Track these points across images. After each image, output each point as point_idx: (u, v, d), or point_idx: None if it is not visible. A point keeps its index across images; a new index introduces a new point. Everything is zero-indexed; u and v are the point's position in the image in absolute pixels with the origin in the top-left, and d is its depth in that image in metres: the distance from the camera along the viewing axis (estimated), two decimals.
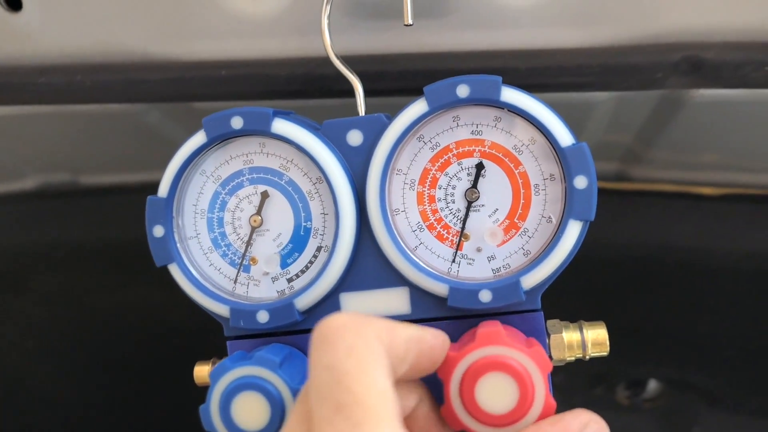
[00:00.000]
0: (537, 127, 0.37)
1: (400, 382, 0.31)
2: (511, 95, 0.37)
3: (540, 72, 0.47)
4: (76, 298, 0.73)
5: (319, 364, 0.26)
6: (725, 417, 0.68)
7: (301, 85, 0.48)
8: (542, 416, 0.33)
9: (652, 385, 0.68)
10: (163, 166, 0.69)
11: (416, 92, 0.47)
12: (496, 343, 0.33)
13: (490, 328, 0.34)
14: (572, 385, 0.68)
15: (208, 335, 0.67)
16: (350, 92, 0.48)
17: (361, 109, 0.41)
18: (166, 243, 0.40)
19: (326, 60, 0.42)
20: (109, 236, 0.71)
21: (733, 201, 0.61)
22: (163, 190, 0.40)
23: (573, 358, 0.40)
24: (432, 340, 0.32)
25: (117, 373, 0.71)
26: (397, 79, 0.48)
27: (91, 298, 0.73)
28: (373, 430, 0.25)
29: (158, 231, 0.40)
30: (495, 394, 0.33)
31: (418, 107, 0.37)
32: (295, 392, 0.35)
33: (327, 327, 0.27)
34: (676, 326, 0.65)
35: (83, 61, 0.51)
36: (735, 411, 0.68)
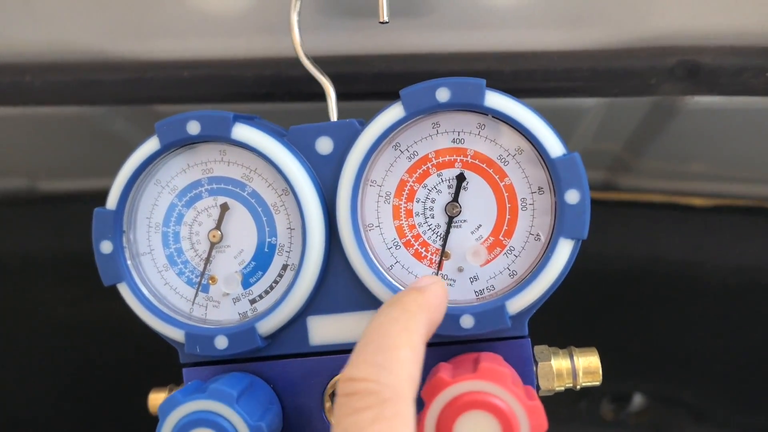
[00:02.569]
0: (524, 136, 0.34)
1: None
2: (495, 100, 0.33)
3: (526, 76, 0.43)
4: (31, 311, 0.69)
5: (342, 426, 0.26)
6: (710, 431, 0.66)
7: (269, 88, 0.44)
8: None
9: (638, 400, 0.66)
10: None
11: (393, 96, 0.44)
12: (497, 382, 0.30)
13: (495, 363, 0.31)
14: (556, 398, 0.66)
15: (176, 354, 0.63)
16: (322, 95, 0.44)
17: (333, 114, 0.38)
18: (114, 260, 0.36)
19: (296, 61, 0.39)
20: (68, 246, 0.67)
21: (724, 212, 0.59)
22: (111, 201, 0.36)
23: (562, 388, 0.36)
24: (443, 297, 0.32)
25: (73, 392, 0.67)
26: (372, 82, 0.44)
27: (48, 311, 0.69)
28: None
29: (106, 247, 0.36)
30: None
31: (393, 112, 0.34)
32: (252, 429, 0.32)
33: (353, 387, 0.26)
34: (663, 340, 0.63)
35: (33, 59, 0.47)
36: (722, 427, 0.65)
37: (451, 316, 0.34)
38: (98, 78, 0.46)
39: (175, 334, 0.36)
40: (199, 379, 0.36)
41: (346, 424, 0.25)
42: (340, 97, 0.39)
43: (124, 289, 0.36)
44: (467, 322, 0.34)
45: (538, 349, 0.36)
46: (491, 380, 0.30)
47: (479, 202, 0.35)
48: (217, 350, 0.35)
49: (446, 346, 0.35)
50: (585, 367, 0.36)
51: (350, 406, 0.26)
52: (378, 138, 0.34)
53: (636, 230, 0.61)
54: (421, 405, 0.31)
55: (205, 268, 0.36)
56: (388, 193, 0.35)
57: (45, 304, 0.69)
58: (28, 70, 0.47)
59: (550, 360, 0.36)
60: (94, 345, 0.67)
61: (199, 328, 0.36)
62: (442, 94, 0.33)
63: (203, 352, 0.35)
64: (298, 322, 0.36)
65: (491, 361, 0.31)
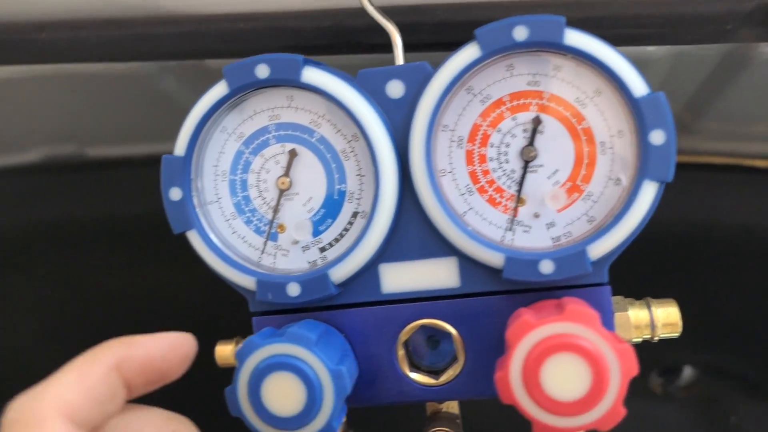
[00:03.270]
0: (605, 76, 0.33)
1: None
2: (576, 38, 0.32)
3: (595, 23, 0.42)
4: (82, 278, 0.69)
5: None
6: (765, 406, 0.64)
7: (328, 39, 0.43)
8: (602, 423, 0.29)
9: (688, 372, 0.64)
10: (173, 135, 0.65)
11: (455, 47, 0.43)
12: (586, 324, 0.29)
13: (580, 306, 0.30)
14: None
15: (222, 318, 0.62)
16: (383, 47, 0.43)
17: (400, 62, 0.37)
18: (184, 207, 0.35)
19: (355, 11, 0.38)
20: (117, 212, 0.67)
21: None
22: (180, 148, 0.35)
23: (640, 340, 0.35)
24: (143, 353, 0.30)
25: None
26: (433, 32, 0.43)
27: (98, 278, 0.69)
28: None
29: (175, 194, 0.35)
30: (563, 378, 0.29)
31: (468, 53, 0.33)
32: (333, 373, 0.31)
33: (5, 419, 0.26)
34: (719, 308, 0.61)
35: (89, 15, 0.47)
36: None
37: (530, 262, 0.33)
38: (153, 32, 0.46)
39: (247, 282, 0.35)
40: (270, 326, 0.36)
41: None
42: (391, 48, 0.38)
43: (194, 237, 0.35)
44: (547, 267, 0.33)
45: (613, 299, 0.35)
46: (580, 322, 0.29)
47: (556, 146, 0.34)
48: (289, 297, 0.35)
49: (522, 294, 0.34)
50: (664, 317, 0.35)
51: None
52: (452, 80, 0.33)
53: (696, 193, 0.59)
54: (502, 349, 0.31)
55: (274, 216, 0.36)
56: (461, 138, 0.35)
57: (92, 272, 0.69)
58: (84, 26, 0.47)
59: (627, 310, 0.35)
60: (140, 313, 0.67)
61: (271, 276, 0.35)
62: (520, 33, 0.32)
63: (275, 300, 0.35)
64: (370, 269, 0.35)
65: (578, 304, 0.30)
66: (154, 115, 0.64)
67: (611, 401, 0.29)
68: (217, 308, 0.63)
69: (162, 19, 0.46)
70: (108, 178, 0.68)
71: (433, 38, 0.42)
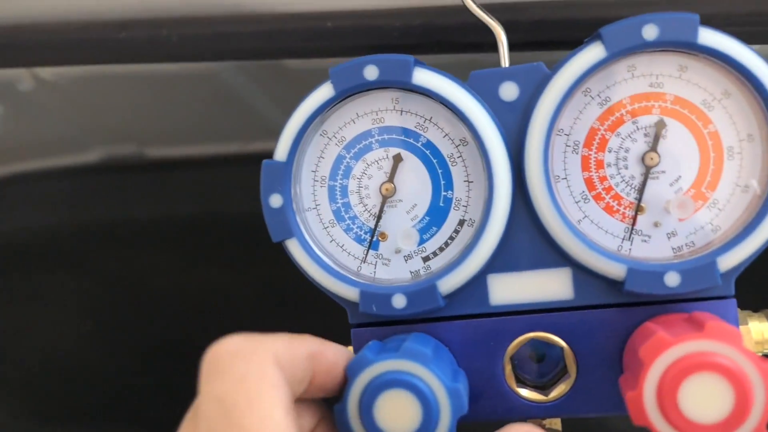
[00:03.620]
0: (736, 77, 0.31)
1: (300, 401, 0.30)
2: (710, 37, 0.30)
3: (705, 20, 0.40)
4: (139, 279, 0.68)
5: (208, 394, 0.24)
6: None
7: (418, 39, 0.42)
8: None
9: None
10: (236, 135, 0.63)
11: (551, 46, 0.41)
12: (728, 342, 0.27)
13: (720, 323, 0.28)
14: None
15: (275, 321, 0.61)
16: (474, 46, 0.42)
17: (505, 62, 0.35)
18: (284, 214, 0.34)
19: (449, 9, 0.36)
20: (176, 214, 0.66)
21: None
22: (281, 152, 0.34)
23: (760, 354, 0.34)
24: (333, 356, 0.30)
25: (178, 361, 0.66)
26: (529, 31, 0.41)
27: (155, 280, 0.68)
28: None
29: (275, 200, 0.34)
30: (703, 399, 0.28)
31: (592, 53, 0.31)
32: (450, 391, 0.30)
33: (216, 353, 0.25)
34: None
35: (169, 14, 0.46)
36: None
37: (654, 274, 0.31)
38: (234, 30, 0.45)
39: (349, 293, 0.34)
40: (369, 339, 0.34)
41: (212, 392, 0.25)
42: (492, 47, 0.37)
43: (294, 246, 0.34)
44: (672, 279, 0.31)
45: None
46: (722, 340, 0.27)
47: (680, 152, 0.32)
48: (394, 310, 0.33)
49: (640, 307, 0.33)
50: None
51: (214, 371, 0.25)
52: (573, 83, 0.31)
53: None
54: (632, 366, 0.29)
55: (377, 223, 0.34)
56: (577, 143, 0.33)
57: (147, 273, 0.68)
58: (164, 25, 0.46)
59: (747, 323, 0.33)
60: (194, 316, 0.66)
61: (375, 287, 0.34)
62: (650, 32, 0.30)
63: (380, 312, 0.33)
64: (478, 280, 0.34)
65: (717, 320, 0.28)
66: (217, 115, 0.63)
67: (754, 424, 0.27)
68: (270, 311, 0.62)
69: (243, 17, 0.45)
70: (167, 179, 0.67)
71: (528, 38, 0.40)
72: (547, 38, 0.40)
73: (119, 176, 0.67)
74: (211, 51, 0.46)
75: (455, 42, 0.42)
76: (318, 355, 0.29)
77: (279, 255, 0.54)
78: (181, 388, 0.66)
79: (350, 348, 0.33)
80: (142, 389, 0.66)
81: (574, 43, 0.36)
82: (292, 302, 0.61)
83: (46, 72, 0.62)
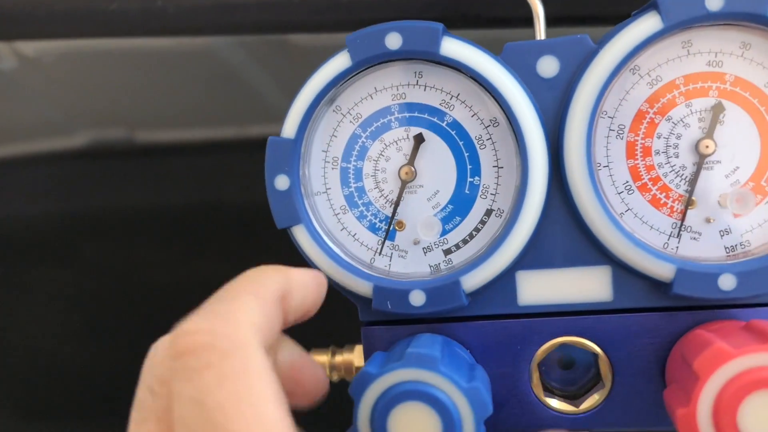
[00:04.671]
0: None
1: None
2: None
3: None
4: (129, 272, 0.64)
5: (183, 397, 0.20)
6: None
7: (441, 11, 0.38)
8: None
9: None
10: (235, 119, 0.59)
11: (583, 22, 0.38)
12: None
13: None
14: None
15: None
16: (505, 21, 0.38)
17: (541, 37, 0.31)
18: (291, 198, 0.30)
19: None
20: (169, 202, 0.62)
21: None
22: (289, 129, 0.30)
23: None
24: (300, 289, 0.27)
25: None
26: (567, 4, 0.38)
27: (146, 272, 0.64)
28: None
29: (282, 182, 0.30)
30: (766, 419, 0.24)
31: (646, 25, 0.28)
32: (467, 392, 0.26)
33: (185, 345, 0.21)
34: None
35: None
36: None
37: (706, 276, 0.28)
38: (239, 1, 0.41)
39: (361, 287, 0.30)
40: (380, 339, 0.31)
41: (188, 394, 0.20)
42: (523, 22, 0.33)
43: (301, 233, 0.31)
44: (727, 282, 0.28)
45: None
46: None
47: (738, 139, 0.29)
48: (412, 307, 0.30)
49: (687, 311, 0.29)
50: None
51: (187, 368, 0.20)
52: (623, 58, 0.28)
53: None
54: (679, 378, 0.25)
55: (395, 210, 0.31)
56: (622, 127, 0.29)
57: (138, 265, 0.64)
58: None
59: None
60: (187, 309, 0.62)
61: (391, 281, 0.30)
62: (714, 3, 0.27)
63: (395, 309, 0.30)
64: (506, 277, 0.30)
65: None
66: (213, 97, 0.59)
67: None
68: None
69: None
70: (159, 166, 0.64)
71: (566, 11, 0.36)
72: (587, 12, 0.37)
73: (108, 162, 0.63)
74: (210, 24, 0.42)
75: (482, 16, 0.38)
76: (288, 292, 0.26)
77: (279, 246, 0.50)
78: None
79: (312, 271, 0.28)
80: (131, 385, 0.62)
81: (616, 19, 0.33)
82: None
83: (29, 48, 0.58)
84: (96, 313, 0.64)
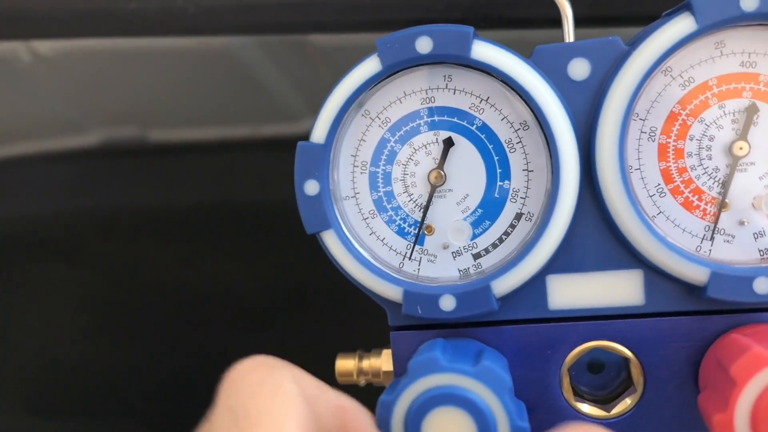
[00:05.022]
0: None
1: None
2: None
3: None
4: (140, 271, 0.64)
5: (222, 406, 0.23)
6: None
7: (464, 12, 0.38)
8: None
9: None
10: (248, 118, 0.59)
11: (612, 23, 0.37)
12: None
13: None
14: None
15: (278, 313, 0.58)
16: (530, 21, 0.38)
17: (570, 40, 0.31)
18: (321, 203, 0.30)
19: None
20: (181, 201, 0.62)
21: None
22: (319, 134, 0.30)
23: None
24: (357, 415, 0.26)
25: (183, 359, 0.62)
26: (595, 4, 0.37)
27: (157, 271, 0.64)
28: None
29: (311, 187, 0.30)
30: None
31: (679, 26, 0.27)
32: (477, 376, 0.26)
33: (237, 369, 0.24)
34: None
35: None
36: None
37: (741, 279, 0.28)
38: (261, 1, 0.41)
39: (391, 292, 0.30)
40: (409, 344, 0.30)
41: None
42: (549, 23, 0.33)
43: (330, 238, 0.30)
44: (763, 286, 0.27)
45: None
46: None
47: None
48: (442, 312, 0.29)
49: (720, 315, 0.29)
50: None
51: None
52: (657, 60, 0.28)
53: None
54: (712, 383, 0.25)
55: (424, 215, 0.31)
56: (654, 129, 0.29)
57: (147, 264, 0.64)
58: None
59: None
60: (195, 307, 0.62)
61: (421, 286, 0.30)
62: (749, 3, 0.27)
63: (426, 315, 0.30)
64: (536, 281, 0.30)
65: None
66: (226, 96, 0.58)
67: None
68: (273, 303, 0.59)
69: None
70: (171, 165, 0.63)
71: (594, 11, 0.36)
72: (616, 13, 0.37)
73: (120, 161, 0.63)
74: (231, 24, 0.42)
75: (507, 17, 0.38)
76: (349, 411, 0.25)
77: (289, 246, 0.49)
78: (182, 384, 0.62)
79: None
80: (141, 385, 0.63)
81: (642, 19, 0.32)
82: (302, 297, 0.57)
83: (44, 46, 0.58)
84: (107, 311, 0.64)
